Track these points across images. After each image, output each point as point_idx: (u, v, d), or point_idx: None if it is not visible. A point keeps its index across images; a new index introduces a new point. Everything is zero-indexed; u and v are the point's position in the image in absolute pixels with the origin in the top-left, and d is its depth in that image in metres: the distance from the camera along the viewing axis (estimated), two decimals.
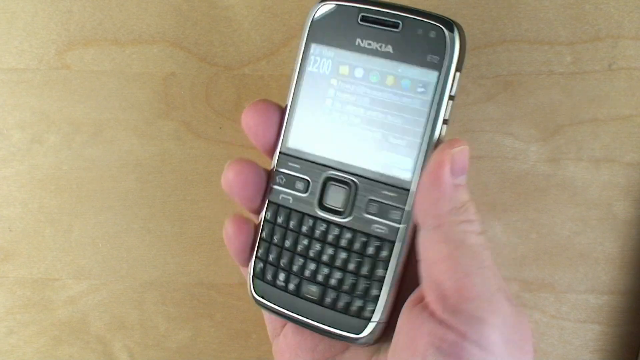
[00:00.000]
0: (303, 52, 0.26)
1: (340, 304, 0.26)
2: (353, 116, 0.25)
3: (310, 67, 0.26)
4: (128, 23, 0.34)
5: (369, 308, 0.25)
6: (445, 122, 0.25)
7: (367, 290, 0.25)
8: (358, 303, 0.25)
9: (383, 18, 0.25)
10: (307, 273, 0.26)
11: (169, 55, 0.34)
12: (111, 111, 0.35)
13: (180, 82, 0.35)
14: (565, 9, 0.33)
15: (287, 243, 0.26)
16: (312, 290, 0.26)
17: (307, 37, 0.26)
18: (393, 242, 0.25)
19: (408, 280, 0.26)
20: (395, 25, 0.24)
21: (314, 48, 0.26)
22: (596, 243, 0.36)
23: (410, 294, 0.25)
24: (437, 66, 0.24)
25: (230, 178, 0.27)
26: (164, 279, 0.37)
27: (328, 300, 0.26)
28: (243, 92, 0.35)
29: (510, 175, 0.35)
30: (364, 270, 0.25)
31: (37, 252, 0.37)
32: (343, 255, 0.25)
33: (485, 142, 0.35)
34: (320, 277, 0.26)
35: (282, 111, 0.27)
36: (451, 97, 0.25)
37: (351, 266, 0.25)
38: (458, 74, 0.25)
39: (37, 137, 0.36)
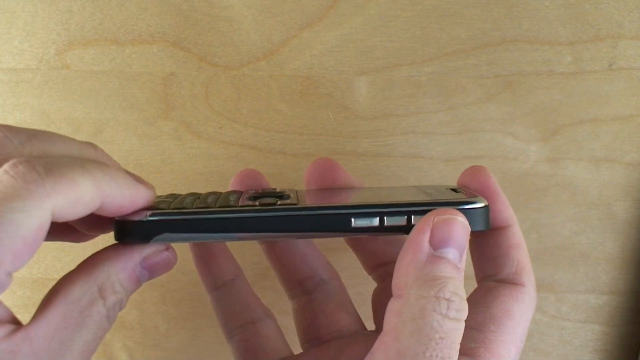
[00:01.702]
0: None
1: None
2: None
3: None
4: (128, 23, 0.34)
5: None
6: None
7: None
8: None
9: None
10: None
11: (169, 55, 0.34)
12: (111, 111, 0.35)
13: (180, 82, 0.35)
14: (565, 9, 0.33)
15: None
16: None
17: None
18: None
19: None
20: None
21: None
22: (596, 243, 0.36)
23: None
24: None
25: None
26: (164, 279, 0.37)
27: None
28: (243, 92, 0.35)
29: (510, 175, 0.35)
30: None
31: (37, 252, 0.37)
32: None
33: (486, 142, 0.35)
34: None
35: None
36: None
37: None
38: None
39: None
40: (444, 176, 0.35)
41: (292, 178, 0.35)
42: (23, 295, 0.37)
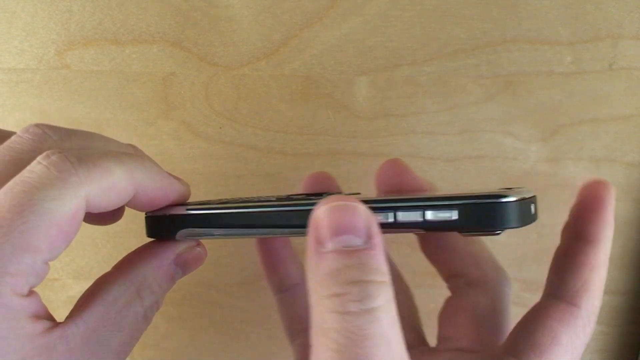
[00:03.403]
0: None
1: None
2: None
3: None
4: (128, 23, 0.34)
5: None
6: None
7: None
8: None
9: None
10: None
11: (169, 55, 0.34)
12: (111, 111, 0.35)
13: (180, 82, 0.35)
14: (565, 9, 0.33)
15: None
16: None
17: None
18: None
19: None
20: None
21: None
22: None
23: None
24: None
25: None
26: None
27: None
28: (243, 92, 0.35)
29: (510, 175, 0.35)
30: None
31: None
32: None
33: (486, 142, 0.35)
34: None
35: None
36: None
37: None
38: None
39: None
40: (444, 176, 0.35)
41: (292, 178, 0.35)
42: None
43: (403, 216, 0.20)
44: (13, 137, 0.21)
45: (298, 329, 0.28)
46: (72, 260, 0.37)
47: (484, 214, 0.19)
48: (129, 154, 0.22)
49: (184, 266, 0.24)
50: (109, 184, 0.19)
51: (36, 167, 0.18)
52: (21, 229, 0.17)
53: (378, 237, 0.18)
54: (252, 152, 0.35)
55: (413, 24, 0.33)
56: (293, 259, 0.29)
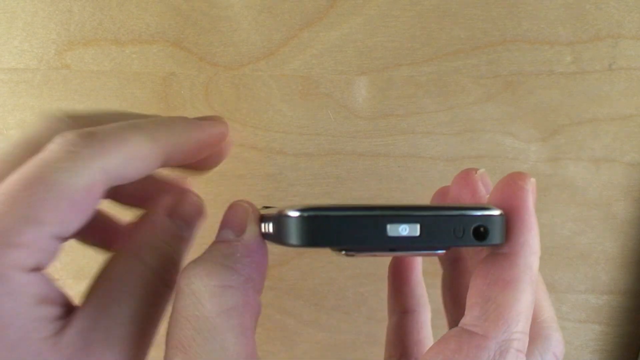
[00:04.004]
0: None
1: None
2: None
3: None
4: (128, 23, 0.34)
5: None
6: None
7: None
8: None
9: None
10: None
11: (169, 55, 0.34)
12: None
13: (180, 82, 0.35)
14: (565, 9, 0.33)
15: None
16: None
17: None
18: None
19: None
20: None
21: None
22: (596, 243, 0.36)
23: None
24: None
25: None
26: None
27: None
28: (243, 92, 0.35)
29: None
30: None
31: None
32: None
33: (486, 142, 0.35)
34: None
35: None
36: None
37: None
38: None
39: None
40: (444, 176, 0.35)
41: (292, 178, 0.35)
42: None
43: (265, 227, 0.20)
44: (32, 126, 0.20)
45: (397, 355, 0.26)
46: (72, 260, 0.37)
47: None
48: (151, 120, 0.21)
49: (182, 218, 0.23)
50: (129, 153, 0.19)
51: (50, 146, 0.18)
52: (27, 200, 0.17)
53: (249, 235, 0.20)
54: (252, 152, 0.35)
55: (413, 24, 0.33)
56: (419, 284, 0.28)
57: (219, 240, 0.21)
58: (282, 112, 0.35)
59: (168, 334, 0.19)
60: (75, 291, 0.37)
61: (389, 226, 0.18)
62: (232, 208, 0.21)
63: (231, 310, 0.18)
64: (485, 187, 0.22)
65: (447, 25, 0.33)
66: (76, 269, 0.37)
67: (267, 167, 0.35)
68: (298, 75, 0.34)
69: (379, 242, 0.18)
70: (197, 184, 0.36)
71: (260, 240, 0.21)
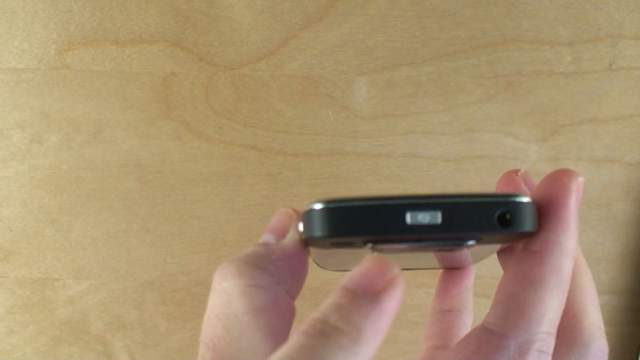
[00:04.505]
0: None
1: None
2: None
3: None
4: (128, 23, 0.34)
5: None
6: None
7: None
8: None
9: None
10: None
11: (169, 55, 0.34)
12: (111, 111, 0.35)
13: (180, 82, 0.35)
14: (565, 9, 0.33)
15: None
16: None
17: None
18: None
19: None
20: None
21: None
22: (596, 243, 0.36)
23: None
24: None
25: None
26: (164, 279, 0.37)
27: None
28: (243, 92, 0.35)
29: None
30: None
31: (37, 252, 0.37)
32: None
33: (486, 141, 0.35)
34: None
35: None
36: None
37: None
38: None
39: (37, 137, 0.36)
40: (444, 176, 0.35)
41: (292, 178, 0.35)
42: (23, 295, 0.37)
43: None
44: None
45: (437, 344, 0.26)
46: (72, 260, 0.37)
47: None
48: None
49: None
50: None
51: None
52: None
53: (288, 240, 0.20)
54: (252, 152, 0.35)
55: (413, 24, 0.33)
56: (468, 291, 0.27)
57: (258, 243, 0.21)
58: (282, 112, 0.35)
59: (202, 332, 0.19)
60: (75, 291, 0.37)
61: (408, 214, 0.17)
62: (279, 214, 0.22)
63: (259, 309, 0.18)
64: (529, 186, 0.21)
65: (447, 25, 0.33)
66: (76, 269, 0.37)
67: (267, 167, 0.35)
68: (298, 75, 0.34)
69: (398, 231, 0.17)
70: (198, 184, 0.36)
71: (299, 247, 0.20)
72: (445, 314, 0.27)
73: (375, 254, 0.17)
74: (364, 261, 0.16)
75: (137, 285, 0.37)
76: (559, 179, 0.18)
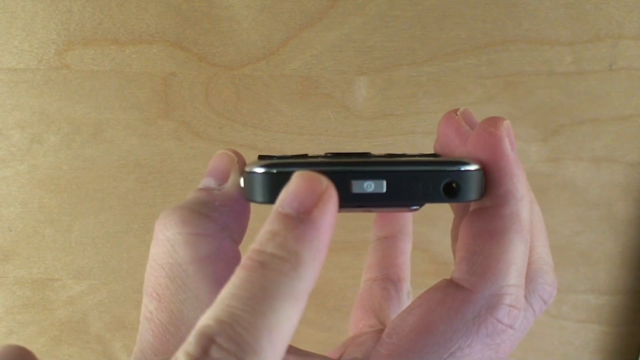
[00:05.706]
0: None
1: None
2: None
3: None
4: (128, 23, 0.34)
5: None
6: None
7: None
8: None
9: None
10: None
11: (169, 55, 0.34)
12: (111, 111, 0.35)
13: (180, 82, 0.35)
14: (565, 9, 0.33)
15: None
16: None
17: None
18: None
19: None
20: None
21: None
22: (596, 243, 0.36)
23: None
24: None
25: None
26: None
27: None
28: (243, 92, 0.35)
29: None
30: None
31: (37, 252, 0.37)
32: None
33: None
34: None
35: None
36: None
37: None
38: None
39: (37, 137, 0.36)
40: None
41: None
42: (23, 295, 0.37)
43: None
44: None
45: (376, 276, 0.25)
46: (72, 260, 0.37)
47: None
48: None
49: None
50: None
51: None
52: None
53: (231, 184, 0.20)
54: (252, 152, 0.35)
55: (413, 24, 0.33)
56: (405, 216, 0.26)
57: (200, 188, 0.21)
58: (282, 112, 0.35)
59: (145, 281, 0.19)
60: (75, 291, 0.37)
61: (353, 183, 0.17)
62: (218, 156, 0.21)
63: (205, 259, 0.18)
64: (469, 124, 0.20)
65: (447, 25, 0.33)
66: (76, 269, 0.37)
67: None
68: (298, 75, 0.34)
69: (343, 199, 0.16)
70: (198, 184, 0.36)
71: (241, 190, 0.20)
72: (383, 241, 0.26)
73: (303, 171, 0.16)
74: (292, 180, 0.15)
75: (137, 285, 0.37)
76: (486, 130, 0.18)
